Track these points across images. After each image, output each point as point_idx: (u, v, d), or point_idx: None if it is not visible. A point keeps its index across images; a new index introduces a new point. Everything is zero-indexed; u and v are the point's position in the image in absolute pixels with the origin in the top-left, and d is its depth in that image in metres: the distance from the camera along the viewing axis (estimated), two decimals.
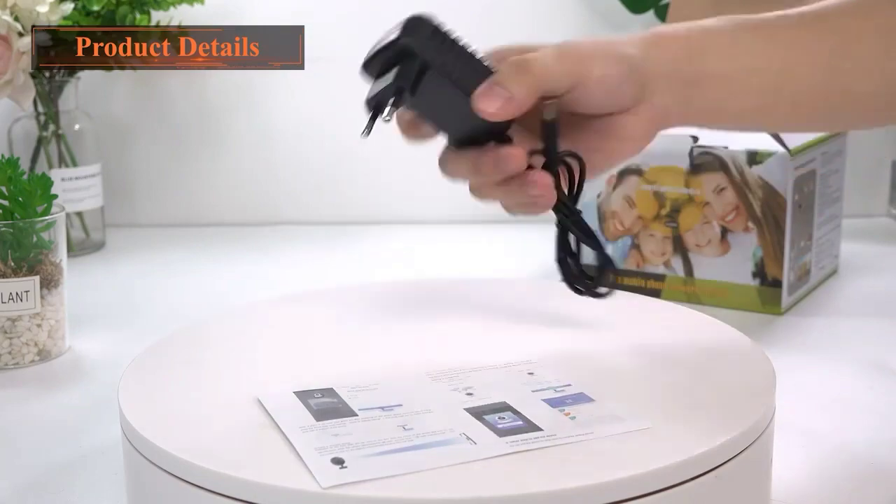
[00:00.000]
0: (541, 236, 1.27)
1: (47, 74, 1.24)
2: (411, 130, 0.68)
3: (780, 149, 0.98)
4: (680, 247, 1.03)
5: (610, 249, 1.07)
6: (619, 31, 1.40)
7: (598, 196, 1.07)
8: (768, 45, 0.69)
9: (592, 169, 0.68)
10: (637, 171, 1.04)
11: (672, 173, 1.02)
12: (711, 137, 1.00)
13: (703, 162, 1.01)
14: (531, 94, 0.64)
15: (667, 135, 1.03)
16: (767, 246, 0.99)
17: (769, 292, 1.00)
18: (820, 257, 1.08)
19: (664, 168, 1.03)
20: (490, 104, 0.64)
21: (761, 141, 0.98)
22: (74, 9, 1.16)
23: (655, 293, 1.03)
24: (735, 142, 0.99)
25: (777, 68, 0.69)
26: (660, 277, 1.04)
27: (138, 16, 1.22)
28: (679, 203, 1.02)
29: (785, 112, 0.71)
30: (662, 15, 1.37)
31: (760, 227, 0.99)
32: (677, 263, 1.04)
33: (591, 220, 1.07)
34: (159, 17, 1.30)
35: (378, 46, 0.64)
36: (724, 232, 1.01)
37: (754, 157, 0.99)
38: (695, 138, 1.01)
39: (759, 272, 1.00)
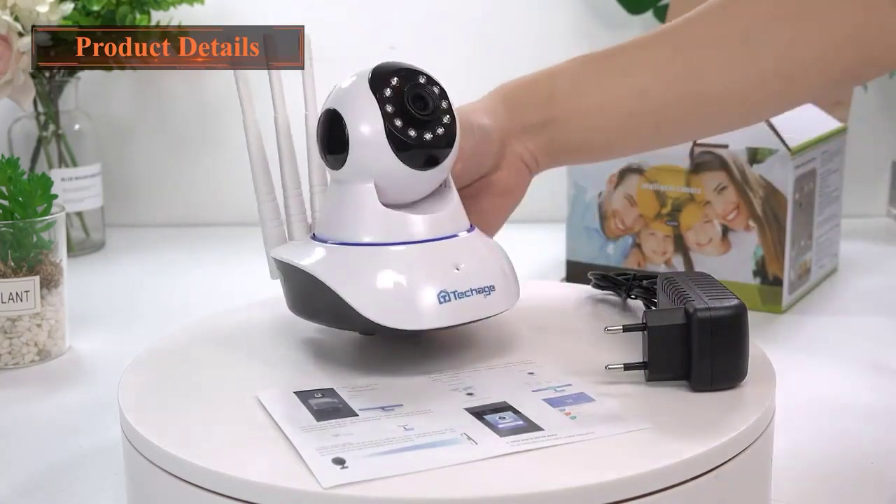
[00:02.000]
0: (541, 236, 1.28)
1: (47, 74, 1.24)
2: None
3: (781, 148, 0.98)
4: (681, 246, 1.03)
5: (611, 248, 1.07)
6: (618, 31, 1.41)
7: (600, 195, 1.07)
8: (617, 75, 0.73)
9: (487, 229, 0.72)
10: (638, 170, 1.04)
11: (673, 172, 1.02)
12: (712, 136, 1.00)
13: (704, 161, 1.01)
14: None
15: None
16: (768, 245, 0.99)
17: (770, 291, 1.00)
18: (820, 256, 1.08)
19: (665, 167, 1.03)
20: None
21: (762, 140, 0.98)
22: (74, 9, 1.16)
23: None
24: (736, 141, 0.99)
25: (629, 95, 0.72)
26: None
27: (138, 16, 1.22)
28: (680, 202, 1.02)
29: (648, 133, 0.74)
30: (661, 15, 1.37)
31: (761, 225, 0.99)
32: (678, 262, 1.04)
33: (593, 218, 1.07)
34: (159, 17, 1.30)
35: None
36: (725, 231, 1.01)
37: (755, 156, 0.99)
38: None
39: (760, 271, 1.00)
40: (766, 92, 0.72)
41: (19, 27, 1.11)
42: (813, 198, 1.04)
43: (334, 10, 1.40)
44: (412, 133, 0.62)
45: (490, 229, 0.73)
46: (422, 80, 0.64)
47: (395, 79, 0.63)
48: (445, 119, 0.63)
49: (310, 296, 0.64)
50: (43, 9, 1.11)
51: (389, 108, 0.62)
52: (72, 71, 1.26)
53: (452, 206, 0.65)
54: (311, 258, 0.63)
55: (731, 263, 1.01)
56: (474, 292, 0.62)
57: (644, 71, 0.72)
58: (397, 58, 0.66)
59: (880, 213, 1.41)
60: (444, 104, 0.64)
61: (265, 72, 0.71)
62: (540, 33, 1.42)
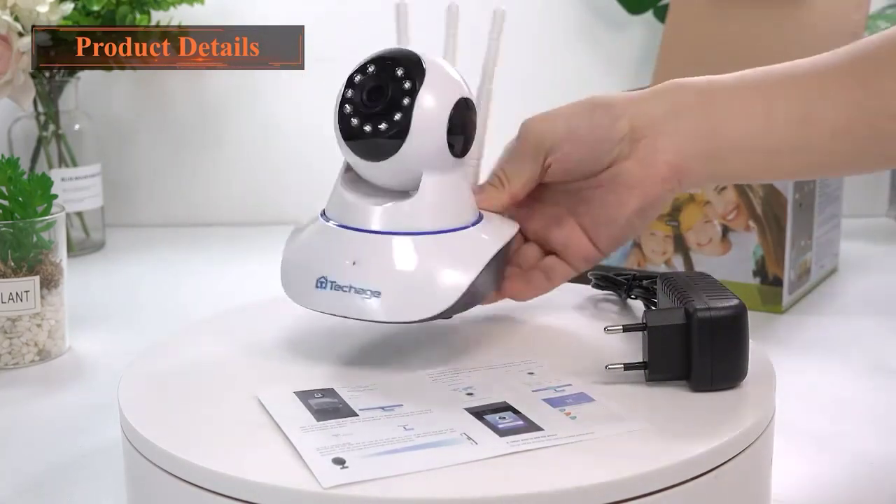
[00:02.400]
0: None
1: (47, 74, 1.24)
2: None
3: None
4: (681, 245, 1.03)
5: None
6: (618, 31, 1.41)
7: None
8: (785, 104, 0.65)
9: (602, 232, 0.67)
10: None
11: None
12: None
13: None
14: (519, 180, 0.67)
15: None
16: (768, 245, 0.99)
17: (770, 291, 1.00)
18: (820, 256, 1.08)
19: None
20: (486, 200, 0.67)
21: None
22: (74, 9, 1.16)
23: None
24: None
25: (796, 125, 0.65)
26: None
27: (138, 16, 1.22)
28: (680, 202, 1.02)
29: (821, 146, 0.66)
30: (661, 15, 1.37)
31: (761, 225, 0.99)
32: (678, 262, 1.04)
33: None
34: (159, 17, 1.30)
35: None
36: (725, 231, 1.01)
37: None
38: None
39: (760, 271, 1.00)
40: None
41: (19, 27, 1.11)
42: (813, 198, 1.04)
43: (334, 10, 1.40)
44: (354, 121, 0.63)
45: (610, 228, 0.67)
46: (398, 72, 0.63)
47: (372, 66, 0.64)
48: (396, 116, 0.62)
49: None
50: (43, 9, 1.11)
51: (349, 94, 0.63)
52: (72, 71, 1.26)
53: (405, 206, 0.63)
54: (299, 229, 0.67)
55: (731, 263, 1.01)
56: (353, 290, 0.62)
57: (814, 103, 0.65)
58: (419, 46, 0.67)
59: (880, 213, 1.41)
60: (405, 101, 0.62)
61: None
62: (540, 33, 1.42)
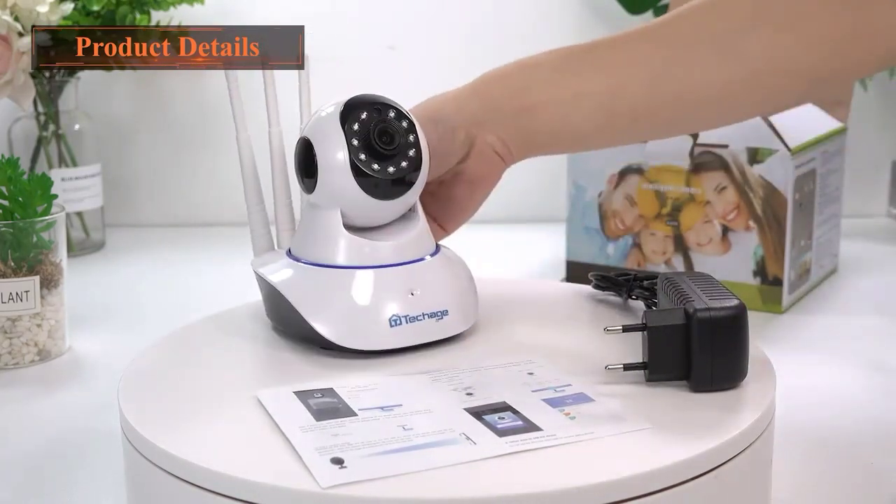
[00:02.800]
0: (541, 236, 1.28)
1: (47, 74, 1.24)
2: None
3: (781, 148, 0.98)
4: (681, 246, 1.03)
5: (611, 248, 1.07)
6: (618, 30, 1.40)
7: (600, 195, 1.07)
8: (597, 68, 0.73)
9: (457, 216, 0.75)
10: (638, 171, 1.04)
11: (673, 172, 1.02)
12: (712, 136, 1.00)
13: (704, 161, 1.01)
14: None
15: None
16: (768, 245, 0.99)
17: (770, 291, 1.00)
18: (820, 256, 1.08)
19: (665, 167, 1.03)
20: None
21: (762, 140, 0.98)
22: (74, 9, 1.16)
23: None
24: (736, 141, 0.99)
25: (607, 89, 0.72)
26: None
27: (138, 16, 1.22)
28: (680, 202, 1.02)
29: (623, 127, 0.74)
30: (660, 15, 1.37)
31: (761, 225, 0.99)
32: (678, 262, 1.03)
33: (593, 218, 1.07)
34: (159, 17, 1.30)
35: None
36: (725, 231, 1.01)
37: (755, 156, 0.99)
38: (695, 137, 1.01)
39: (760, 271, 1.00)
40: (745, 95, 0.72)
41: (19, 27, 1.11)
42: (813, 198, 1.04)
43: (334, 10, 1.40)
44: (375, 166, 0.66)
45: (460, 216, 0.75)
46: (391, 114, 0.67)
47: (365, 113, 0.66)
48: (410, 152, 0.67)
49: (278, 308, 0.68)
50: (43, 9, 1.11)
51: (355, 142, 0.66)
52: (72, 71, 1.26)
53: (416, 232, 0.68)
54: (280, 275, 0.68)
55: (732, 263, 1.01)
56: (426, 316, 0.66)
57: (622, 66, 0.72)
58: (372, 90, 0.70)
59: (880, 212, 1.41)
60: (410, 138, 0.67)
61: (259, 82, 0.74)
62: (540, 33, 1.42)
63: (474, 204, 0.76)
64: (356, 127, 0.66)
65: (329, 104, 0.68)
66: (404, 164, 0.67)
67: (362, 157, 0.66)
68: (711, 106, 0.73)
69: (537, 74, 0.73)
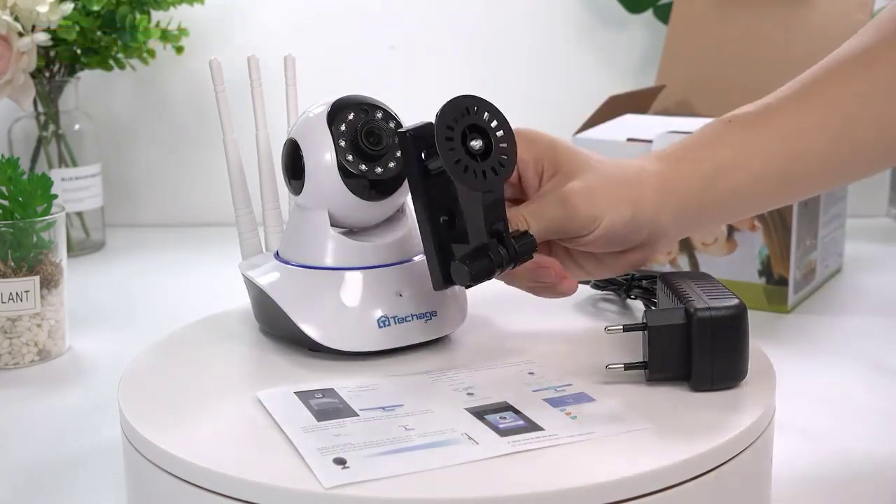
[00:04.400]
0: None
1: (47, 74, 1.24)
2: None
3: None
4: (686, 245, 1.03)
5: None
6: (618, 31, 1.40)
7: None
8: (778, 141, 0.68)
9: (592, 274, 0.69)
10: None
11: None
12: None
13: None
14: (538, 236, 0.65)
15: (672, 134, 1.04)
16: (773, 245, 0.99)
17: (775, 291, 1.00)
18: (825, 256, 1.08)
19: None
20: None
21: None
22: (74, 9, 1.16)
23: None
24: None
25: (789, 159, 0.68)
26: None
27: (138, 16, 1.22)
28: None
29: (795, 192, 0.72)
30: (661, 15, 1.37)
31: (767, 225, 0.99)
32: (683, 262, 1.03)
33: None
34: (159, 17, 1.30)
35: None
36: (731, 231, 1.01)
37: None
38: None
39: (766, 271, 1.00)
40: None
41: (19, 27, 1.11)
42: (818, 198, 1.04)
43: (334, 10, 1.40)
44: (363, 167, 0.66)
45: (604, 273, 0.70)
46: (378, 115, 0.67)
47: (352, 113, 0.66)
48: (398, 153, 0.66)
49: (266, 310, 0.68)
50: (43, 9, 1.11)
51: (342, 143, 0.66)
52: (72, 71, 1.26)
53: (404, 233, 0.68)
54: (268, 277, 0.68)
55: (737, 263, 1.01)
56: (414, 317, 0.66)
57: (798, 130, 0.69)
58: (361, 90, 0.69)
59: (880, 213, 1.41)
60: (397, 138, 0.66)
61: (247, 88, 0.74)
62: (540, 32, 1.42)
63: (620, 272, 0.70)
64: (343, 128, 0.66)
65: (316, 105, 0.68)
66: (392, 164, 0.66)
67: (349, 157, 0.66)
68: (877, 150, 0.70)
69: (722, 157, 0.68)
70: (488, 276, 0.63)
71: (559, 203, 0.65)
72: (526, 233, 0.64)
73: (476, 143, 0.61)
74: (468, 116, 0.62)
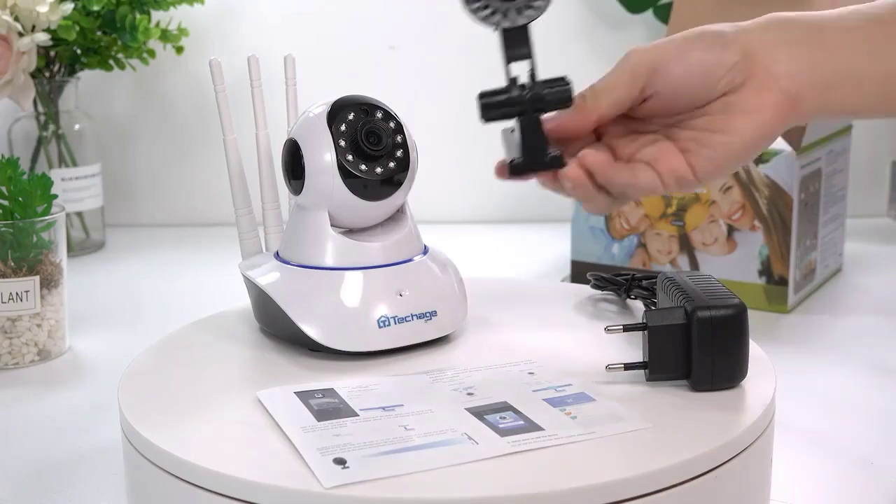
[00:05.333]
0: (546, 236, 1.28)
1: (47, 74, 1.24)
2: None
3: (787, 148, 0.98)
4: (686, 245, 1.03)
5: (616, 248, 1.07)
6: (618, 31, 1.40)
7: None
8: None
9: (708, 163, 0.61)
10: None
11: None
12: None
13: None
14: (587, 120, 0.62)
15: None
16: (773, 244, 0.99)
17: (775, 290, 1.00)
18: (825, 256, 1.08)
19: None
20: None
21: None
22: (74, 9, 1.16)
23: None
24: None
25: None
26: None
27: (138, 16, 1.22)
28: (685, 202, 1.02)
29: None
30: (661, 15, 1.37)
31: (767, 225, 0.99)
32: (683, 262, 1.03)
33: (598, 218, 1.07)
34: (159, 17, 1.30)
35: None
36: (731, 230, 1.01)
37: (760, 156, 0.98)
38: None
39: (766, 270, 1.00)
40: None
41: (19, 27, 1.11)
42: (818, 197, 1.04)
43: (334, 10, 1.40)
44: (363, 167, 0.66)
45: (721, 161, 0.62)
46: (378, 115, 0.67)
47: (352, 113, 0.66)
48: (398, 153, 0.67)
49: (267, 310, 0.68)
50: (43, 9, 1.11)
51: (342, 143, 0.66)
52: (72, 71, 1.26)
53: (404, 233, 0.68)
54: (268, 277, 0.68)
55: (737, 263, 1.01)
56: (415, 317, 0.66)
57: None
58: (361, 90, 0.70)
59: (880, 213, 1.41)
60: (398, 138, 0.67)
61: (247, 88, 0.74)
62: (539, 32, 1.41)
63: (739, 142, 0.61)
64: (343, 128, 0.66)
65: (316, 105, 0.68)
66: (392, 164, 0.66)
67: (349, 157, 0.66)
68: None
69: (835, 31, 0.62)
70: (500, 112, 0.62)
71: (623, 58, 0.63)
72: (562, 78, 0.62)
73: None
74: None
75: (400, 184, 0.67)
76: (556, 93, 0.62)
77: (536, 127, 0.62)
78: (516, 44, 0.63)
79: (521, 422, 0.56)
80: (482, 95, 0.62)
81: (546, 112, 0.62)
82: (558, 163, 0.62)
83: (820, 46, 0.61)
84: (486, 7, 0.63)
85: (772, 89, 0.61)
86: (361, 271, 0.66)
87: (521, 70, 0.64)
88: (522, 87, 0.62)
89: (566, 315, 0.73)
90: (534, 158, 0.62)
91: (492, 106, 0.62)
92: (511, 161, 0.62)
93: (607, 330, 0.62)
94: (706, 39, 0.62)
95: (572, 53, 1.42)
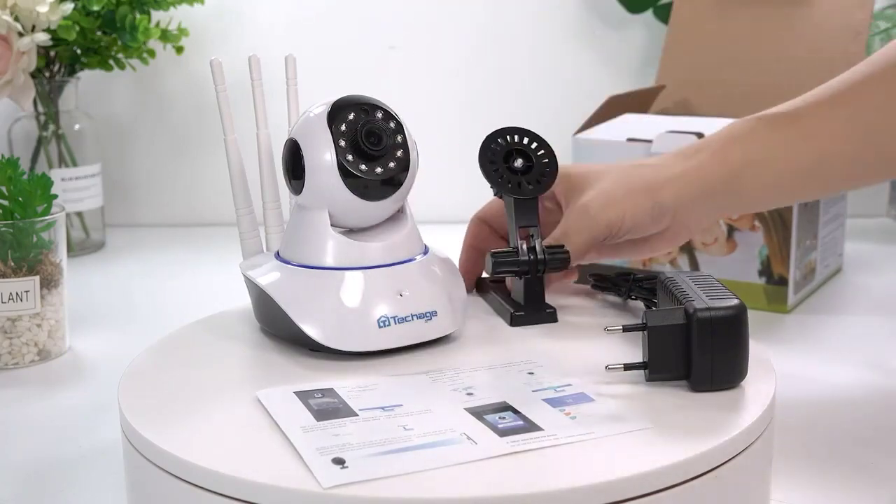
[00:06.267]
0: None
1: (47, 74, 1.24)
2: None
3: None
4: (686, 245, 1.03)
5: None
6: (619, 31, 1.40)
7: None
8: (801, 139, 0.73)
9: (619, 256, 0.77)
10: None
11: None
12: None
13: None
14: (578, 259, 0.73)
15: (672, 134, 1.04)
16: (773, 244, 0.99)
17: (775, 291, 1.00)
18: (825, 256, 1.08)
19: None
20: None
21: None
22: (74, 9, 1.16)
23: None
24: None
25: (811, 159, 0.73)
26: None
27: (138, 16, 1.22)
28: None
29: (817, 192, 0.78)
30: (661, 15, 1.37)
31: (767, 225, 0.99)
32: (683, 262, 1.03)
33: None
34: (159, 17, 1.30)
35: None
36: (731, 230, 1.01)
37: None
38: (700, 137, 1.01)
39: (766, 270, 1.00)
40: None
41: (19, 27, 1.11)
42: None
43: (334, 10, 1.40)
44: (363, 167, 0.66)
45: (627, 258, 0.79)
46: (378, 115, 0.67)
47: (352, 113, 0.66)
48: (398, 153, 0.67)
49: (267, 310, 0.68)
50: (43, 9, 1.11)
51: (343, 143, 0.66)
52: (72, 71, 1.26)
53: (404, 233, 0.68)
54: (268, 277, 0.68)
55: (737, 263, 1.01)
56: (415, 317, 0.66)
57: (825, 134, 0.73)
58: (362, 90, 0.70)
59: (880, 213, 1.41)
60: (398, 138, 0.67)
61: (249, 88, 0.74)
62: (539, 32, 1.42)
63: (638, 258, 0.80)
64: (343, 128, 0.66)
65: (316, 105, 0.68)
66: (392, 164, 0.67)
67: (350, 157, 0.66)
68: None
69: (749, 152, 0.73)
70: (508, 270, 0.71)
71: (581, 216, 0.72)
72: (562, 246, 0.71)
73: (518, 162, 0.73)
74: (508, 143, 0.74)
75: (400, 184, 0.67)
76: (558, 260, 0.71)
77: (538, 285, 0.72)
78: (526, 213, 0.72)
79: (521, 422, 0.56)
80: (494, 255, 0.71)
81: (546, 273, 0.72)
82: (553, 318, 0.72)
83: (734, 197, 0.74)
84: (501, 177, 0.73)
85: (679, 237, 0.76)
86: (362, 271, 0.66)
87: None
88: (529, 249, 0.71)
89: (566, 315, 0.73)
90: (533, 312, 0.71)
91: (502, 264, 0.71)
92: (512, 313, 0.71)
93: (607, 330, 0.62)
94: (654, 212, 0.73)
95: (572, 53, 1.42)
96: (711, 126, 1.02)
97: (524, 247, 0.71)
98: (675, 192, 0.73)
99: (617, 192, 0.72)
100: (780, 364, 0.64)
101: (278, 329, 0.68)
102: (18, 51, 1.11)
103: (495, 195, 0.75)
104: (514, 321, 0.71)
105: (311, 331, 0.65)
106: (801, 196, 0.79)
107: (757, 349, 0.63)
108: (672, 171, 0.74)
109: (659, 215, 0.73)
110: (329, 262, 0.66)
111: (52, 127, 1.26)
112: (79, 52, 1.23)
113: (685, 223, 0.74)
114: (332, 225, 0.67)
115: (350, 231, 0.68)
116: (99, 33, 1.23)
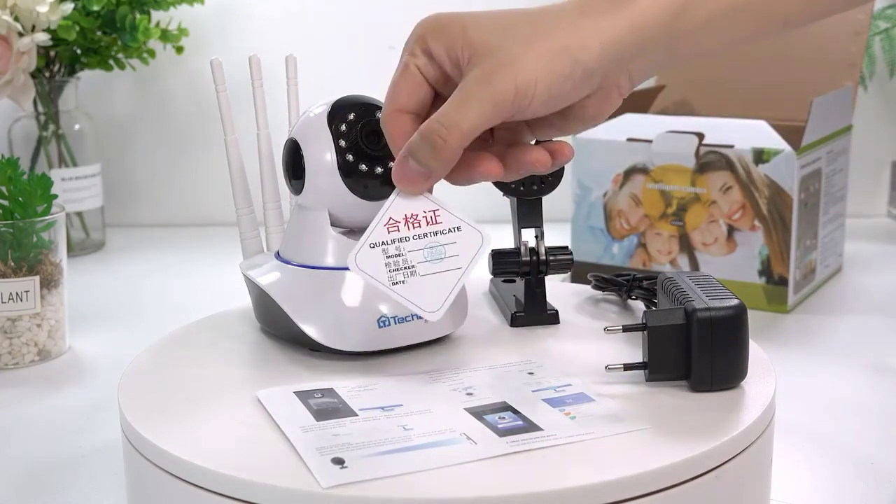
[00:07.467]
0: (546, 236, 1.27)
1: (47, 74, 1.24)
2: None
3: (787, 147, 0.98)
4: (686, 245, 1.03)
5: (616, 248, 1.07)
6: None
7: (605, 195, 1.07)
8: None
9: (552, 147, 0.62)
10: (643, 170, 1.04)
11: (678, 172, 1.02)
12: (718, 137, 1.00)
13: (710, 161, 1.01)
14: (450, 162, 0.59)
15: (672, 134, 1.04)
16: (773, 244, 0.99)
17: (775, 290, 1.00)
18: (825, 256, 1.08)
19: (670, 167, 1.03)
20: (407, 184, 0.59)
21: (768, 140, 0.98)
22: (74, 9, 1.16)
23: None
24: (741, 141, 0.99)
25: None
26: None
27: (138, 16, 1.22)
28: (685, 202, 1.02)
29: (773, 25, 0.64)
30: None
31: (767, 225, 0.99)
32: (683, 262, 1.03)
33: (598, 218, 1.07)
34: (159, 17, 1.30)
35: None
36: (731, 230, 1.01)
37: (760, 156, 0.98)
38: (700, 137, 1.01)
39: (766, 270, 1.00)
40: None
41: (19, 27, 1.11)
42: (818, 197, 1.04)
43: (334, 10, 1.40)
44: (363, 167, 0.66)
45: (560, 133, 0.62)
46: (378, 114, 0.66)
47: (352, 114, 0.66)
48: None
49: (267, 310, 0.68)
50: (43, 9, 1.11)
51: (343, 142, 0.66)
52: (72, 71, 1.26)
53: None
54: (268, 277, 0.68)
55: (737, 263, 1.01)
56: (415, 318, 0.66)
57: None
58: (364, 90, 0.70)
59: (880, 213, 1.41)
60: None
61: (249, 88, 0.74)
62: None
63: (575, 130, 0.63)
64: (343, 127, 0.66)
65: (316, 105, 0.68)
66: (392, 164, 0.66)
67: (350, 157, 0.66)
68: None
69: None
70: (509, 270, 0.72)
71: (482, 84, 0.57)
72: (565, 248, 0.71)
73: None
74: None
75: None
76: (559, 261, 0.72)
77: (539, 286, 0.72)
78: (529, 214, 0.73)
79: (520, 422, 0.55)
80: (495, 254, 0.71)
81: (547, 275, 0.72)
82: (555, 319, 0.71)
83: (673, 45, 0.61)
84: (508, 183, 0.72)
85: (610, 98, 0.61)
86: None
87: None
88: (532, 250, 0.71)
89: (566, 315, 0.73)
90: (534, 313, 0.71)
91: (502, 264, 0.72)
92: (513, 313, 0.71)
93: (607, 330, 0.62)
94: (575, 74, 0.58)
95: None
96: (711, 126, 1.02)
97: (526, 247, 0.71)
98: (602, 47, 0.58)
99: (526, 57, 0.58)
100: (780, 364, 0.64)
101: (278, 329, 0.68)
102: (18, 51, 1.11)
103: (503, 194, 0.73)
104: (515, 321, 0.71)
105: (311, 331, 0.65)
106: (753, 33, 0.63)
107: (757, 349, 0.63)
108: (598, 23, 0.59)
109: (582, 79, 0.58)
110: (329, 262, 0.66)
111: (52, 127, 1.25)
112: (79, 52, 1.23)
113: (616, 82, 0.60)
114: (332, 225, 0.67)
115: (350, 231, 0.68)
116: (99, 33, 1.22)
